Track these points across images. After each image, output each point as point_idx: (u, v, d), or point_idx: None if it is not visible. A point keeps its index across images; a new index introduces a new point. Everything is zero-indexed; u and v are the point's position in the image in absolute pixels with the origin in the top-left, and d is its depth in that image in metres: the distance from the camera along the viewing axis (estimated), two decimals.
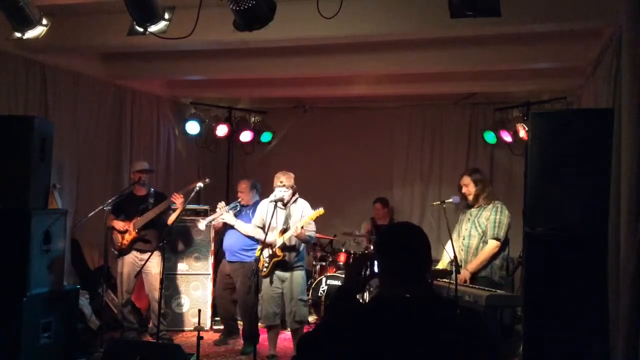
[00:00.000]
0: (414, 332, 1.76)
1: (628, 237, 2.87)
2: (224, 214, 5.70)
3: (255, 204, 5.73)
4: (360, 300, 2.33)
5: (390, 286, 1.89)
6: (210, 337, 6.22)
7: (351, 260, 6.65)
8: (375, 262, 2.01)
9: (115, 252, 5.82)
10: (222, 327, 6.46)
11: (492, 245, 4.53)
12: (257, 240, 5.39)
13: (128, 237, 5.71)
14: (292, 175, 5.20)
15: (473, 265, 4.53)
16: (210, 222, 5.96)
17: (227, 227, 5.95)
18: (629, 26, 3.03)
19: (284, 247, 5.10)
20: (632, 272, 2.79)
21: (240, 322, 6.19)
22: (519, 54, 5.40)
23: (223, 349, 5.84)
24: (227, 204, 5.83)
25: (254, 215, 5.44)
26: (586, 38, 4.98)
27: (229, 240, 5.85)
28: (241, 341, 5.84)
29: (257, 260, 5.11)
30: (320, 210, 5.05)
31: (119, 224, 5.74)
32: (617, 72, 3.50)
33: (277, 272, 5.16)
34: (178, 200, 5.65)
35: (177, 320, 6.37)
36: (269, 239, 5.05)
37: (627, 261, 2.87)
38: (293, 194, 5.21)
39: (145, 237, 5.72)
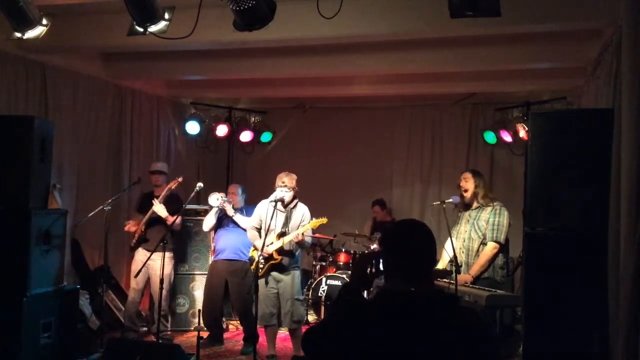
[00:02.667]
0: (417, 327, 1.77)
1: (628, 237, 2.87)
2: (226, 203, 5.72)
3: (242, 208, 5.85)
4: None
5: (395, 282, 1.91)
6: None
7: (357, 258, 6.65)
8: (381, 261, 2.02)
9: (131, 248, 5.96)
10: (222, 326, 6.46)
11: (491, 247, 4.53)
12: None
13: (136, 235, 5.82)
14: (294, 177, 5.18)
15: (475, 269, 4.53)
16: (220, 202, 5.77)
17: (218, 226, 5.94)
18: (629, 26, 3.04)
19: (280, 251, 5.09)
20: (632, 272, 2.79)
21: (233, 326, 6.23)
22: (519, 54, 5.40)
23: (223, 348, 5.84)
24: None
25: (252, 215, 5.44)
26: (586, 38, 4.98)
27: (227, 239, 5.84)
28: (241, 341, 5.85)
29: (252, 260, 5.13)
30: (324, 220, 5.07)
31: (129, 224, 5.87)
32: (617, 72, 3.50)
33: (273, 273, 5.17)
34: (156, 207, 5.65)
35: (177, 320, 6.37)
36: (266, 241, 5.02)
37: (627, 261, 2.87)
38: (294, 197, 5.20)
39: (146, 235, 5.75)
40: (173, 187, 5.72)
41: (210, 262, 6.46)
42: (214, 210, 5.83)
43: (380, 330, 1.78)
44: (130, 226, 5.86)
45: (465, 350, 1.77)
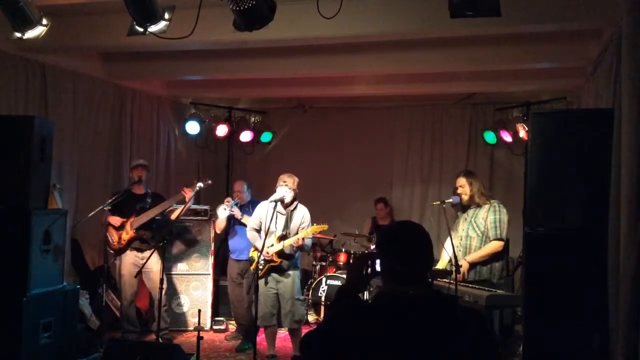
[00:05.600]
0: (416, 329, 1.77)
1: (628, 237, 2.87)
2: (234, 208, 5.78)
3: (249, 202, 5.88)
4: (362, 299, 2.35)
5: (393, 284, 1.90)
6: (210, 337, 6.23)
7: (353, 259, 6.66)
8: (377, 261, 2.02)
9: (111, 251, 5.77)
10: (222, 327, 6.48)
11: (496, 244, 4.52)
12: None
13: (125, 237, 5.66)
14: (296, 178, 5.16)
15: (473, 256, 4.51)
16: (230, 208, 5.80)
17: (229, 227, 5.97)
18: (629, 26, 3.03)
19: (281, 254, 5.08)
20: (633, 271, 2.79)
21: (233, 326, 6.32)
22: (519, 54, 5.40)
23: (223, 348, 5.85)
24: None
25: (252, 214, 5.45)
26: (586, 38, 4.98)
27: (237, 239, 5.90)
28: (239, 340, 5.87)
29: (252, 261, 5.13)
30: (324, 226, 5.08)
31: (114, 219, 5.65)
32: (617, 72, 3.50)
33: (272, 274, 5.16)
34: (188, 194, 5.60)
35: (177, 320, 6.37)
36: (266, 243, 5.00)
37: (627, 261, 2.87)
38: (294, 199, 5.20)
39: (144, 236, 5.69)
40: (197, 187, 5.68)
41: (210, 262, 6.55)
42: (225, 216, 5.87)
43: (378, 333, 1.77)
44: (113, 219, 5.66)
45: (465, 352, 1.77)
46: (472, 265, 4.53)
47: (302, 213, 5.17)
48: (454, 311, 1.86)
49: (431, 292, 1.92)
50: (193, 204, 6.09)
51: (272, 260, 5.07)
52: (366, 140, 8.23)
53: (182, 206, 5.70)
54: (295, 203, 5.19)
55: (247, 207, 5.85)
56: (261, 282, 5.12)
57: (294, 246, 5.04)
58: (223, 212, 5.84)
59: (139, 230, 5.67)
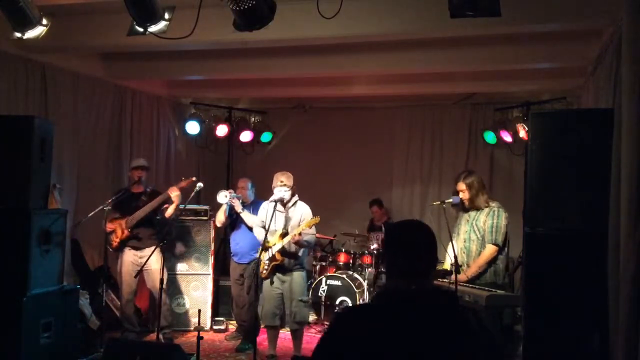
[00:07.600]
0: (417, 328, 1.77)
1: (628, 237, 2.87)
2: (234, 200, 5.67)
3: (253, 202, 5.83)
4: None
5: (395, 280, 1.92)
6: (210, 337, 6.24)
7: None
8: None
9: (111, 250, 5.76)
10: (222, 327, 6.48)
11: (490, 250, 4.51)
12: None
13: (121, 236, 5.68)
14: (291, 175, 5.17)
15: (471, 270, 4.51)
16: (231, 199, 5.70)
17: (228, 223, 5.93)
18: (629, 26, 3.03)
19: (283, 252, 5.08)
20: (633, 272, 2.79)
21: (233, 326, 6.33)
22: (519, 54, 5.40)
23: (223, 348, 5.85)
24: None
25: (256, 215, 5.43)
26: (586, 38, 4.98)
27: (238, 243, 5.88)
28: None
29: (258, 261, 5.13)
30: (316, 219, 5.04)
31: (110, 226, 5.68)
32: (617, 72, 3.50)
33: (277, 273, 5.16)
34: (174, 193, 5.60)
35: (177, 320, 6.37)
36: (269, 242, 5.01)
37: (627, 261, 2.87)
38: (292, 196, 5.20)
39: (138, 235, 5.68)
40: (185, 186, 5.68)
41: (210, 262, 6.55)
42: (224, 207, 5.78)
43: (379, 333, 1.78)
44: (110, 226, 5.69)
45: (465, 351, 1.77)
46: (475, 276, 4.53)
47: (300, 210, 5.17)
48: (454, 310, 1.87)
49: (432, 288, 1.93)
50: (193, 204, 6.07)
51: (274, 259, 5.08)
52: (366, 140, 8.23)
53: (173, 204, 5.67)
54: (293, 200, 5.19)
55: (250, 207, 5.82)
56: (267, 282, 5.14)
57: (294, 243, 5.03)
58: (223, 198, 5.69)
59: (134, 229, 5.67)
